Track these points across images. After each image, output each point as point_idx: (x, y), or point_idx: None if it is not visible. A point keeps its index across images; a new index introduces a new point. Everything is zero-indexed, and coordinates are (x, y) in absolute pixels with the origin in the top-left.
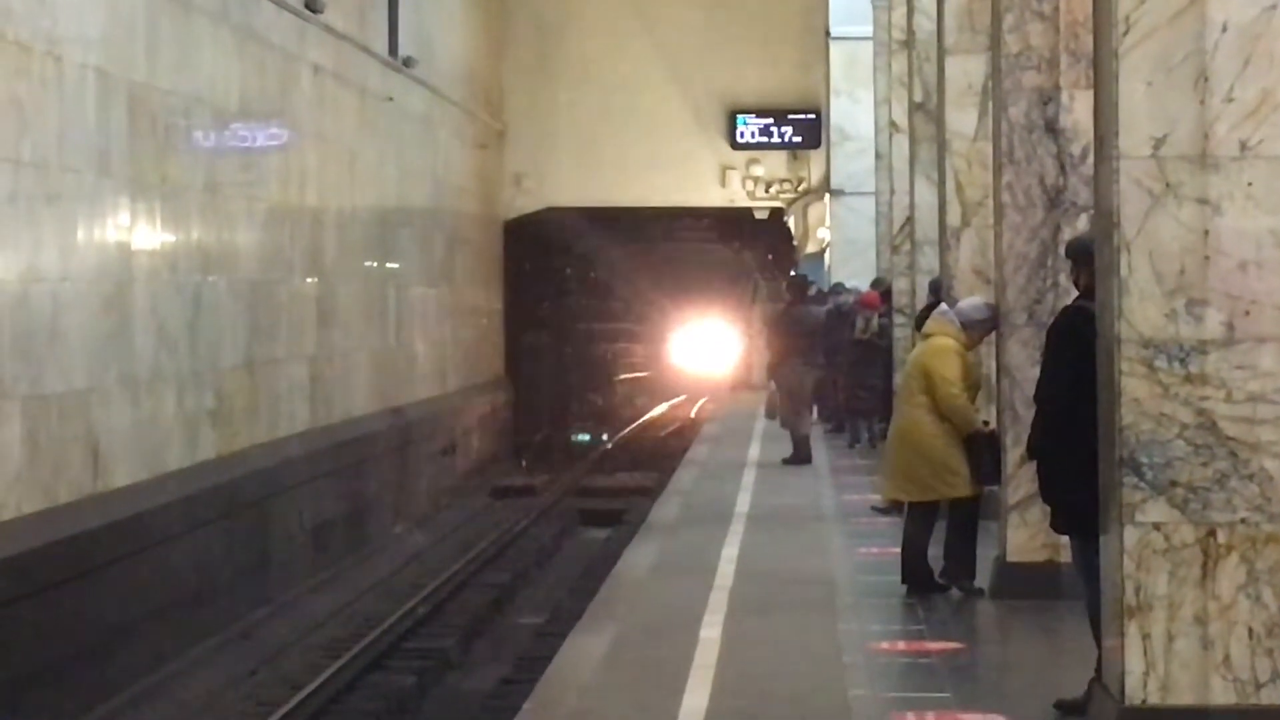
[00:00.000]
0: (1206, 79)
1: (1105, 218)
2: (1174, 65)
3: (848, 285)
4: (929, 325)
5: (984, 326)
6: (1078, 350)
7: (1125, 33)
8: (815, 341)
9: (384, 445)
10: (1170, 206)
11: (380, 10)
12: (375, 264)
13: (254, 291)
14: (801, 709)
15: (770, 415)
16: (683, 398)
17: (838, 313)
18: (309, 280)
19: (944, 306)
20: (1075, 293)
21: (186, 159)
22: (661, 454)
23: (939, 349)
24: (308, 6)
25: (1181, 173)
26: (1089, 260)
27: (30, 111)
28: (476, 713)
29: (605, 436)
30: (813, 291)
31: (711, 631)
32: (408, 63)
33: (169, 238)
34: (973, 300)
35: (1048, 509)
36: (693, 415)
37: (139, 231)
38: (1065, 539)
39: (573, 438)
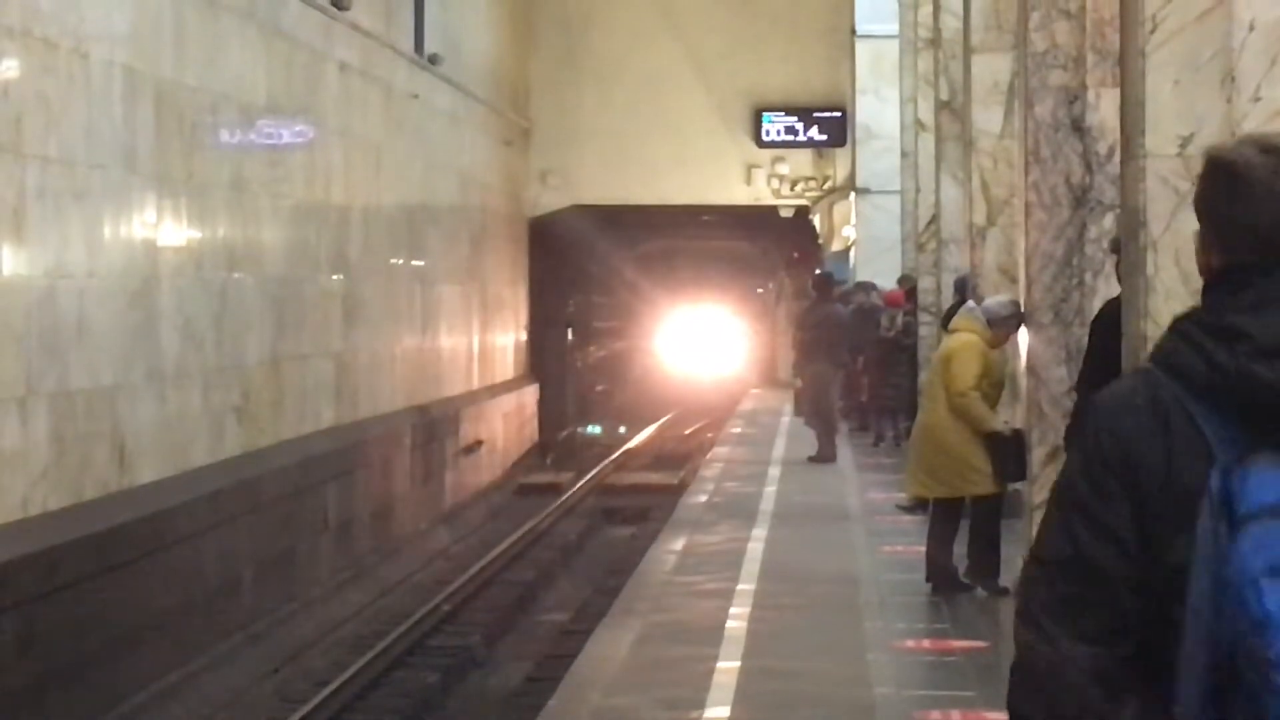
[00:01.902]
0: (1233, 78)
1: (1131, 216)
2: (1201, 64)
3: (876, 283)
4: (955, 321)
5: (1010, 324)
6: (1120, 341)
7: (1152, 31)
8: (841, 340)
9: (409, 443)
10: None
11: (406, 8)
12: (401, 261)
13: (280, 288)
14: (826, 707)
15: (798, 413)
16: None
17: (861, 311)
18: (335, 277)
19: (970, 303)
20: (1116, 287)
21: (213, 156)
22: (686, 451)
23: (963, 345)
24: (334, 4)
25: None
26: None
27: (57, 108)
28: (501, 710)
29: (623, 429)
30: (840, 290)
31: (736, 629)
32: (434, 60)
33: (195, 234)
34: (999, 298)
35: None
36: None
37: (165, 228)
38: None
39: (582, 430)
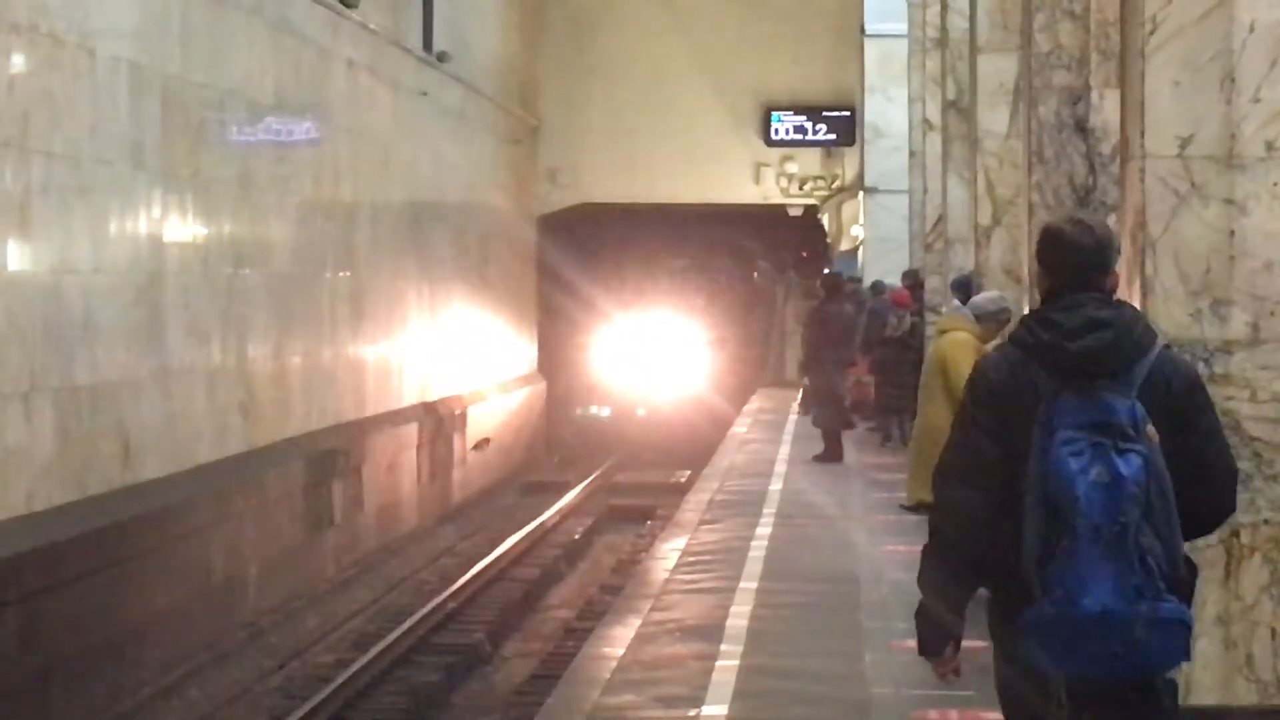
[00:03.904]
0: (1233, 79)
1: (1130, 217)
2: (1201, 65)
3: (886, 283)
4: (944, 321)
5: (998, 318)
6: None
7: (1152, 32)
8: (849, 339)
9: (417, 440)
10: (1196, 206)
11: (415, 5)
12: (409, 258)
13: (286, 285)
14: (824, 706)
15: (804, 412)
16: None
17: (870, 312)
18: (342, 274)
19: (956, 303)
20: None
21: (219, 152)
22: (692, 450)
23: (956, 344)
24: (342, 1)
25: (1207, 173)
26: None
27: (63, 104)
28: (506, 707)
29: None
30: (850, 289)
31: (737, 627)
32: (442, 58)
33: (201, 231)
34: (985, 294)
35: None
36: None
37: (171, 224)
38: None
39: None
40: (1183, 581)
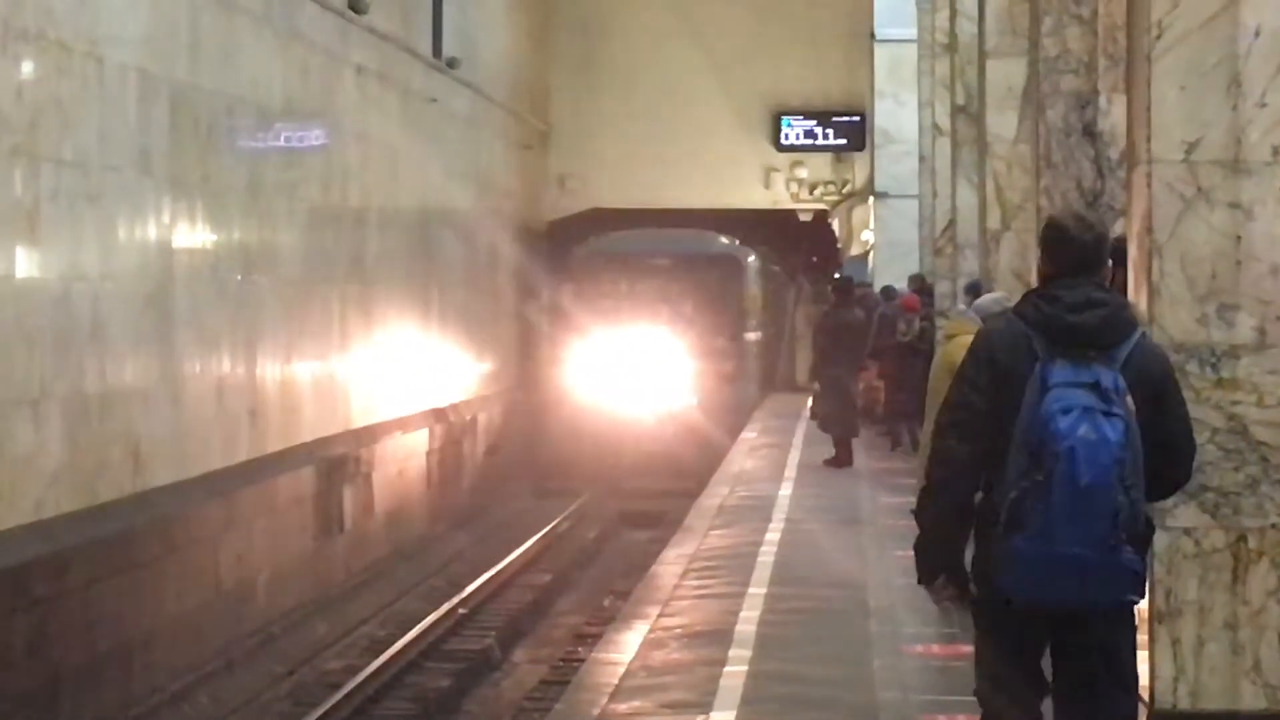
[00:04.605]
0: (1239, 84)
1: (1137, 222)
2: (1207, 70)
3: (896, 287)
4: (949, 326)
5: None
6: None
7: (1158, 37)
8: (860, 344)
9: (427, 447)
10: (1202, 211)
11: (424, 11)
12: (418, 264)
13: (295, 291)
14: (833, 711)
15: (814, 417)
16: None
17: (876, 315)
18: (351, 281)
19: (962, 306)
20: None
21: (228, 159)
22: (703, 455)
23: (963, 347)
24: (351, 7)
25: (1214, 177)
26: (1126, 261)
27: (71, 111)
28: (516, 714)
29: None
30: (861, 293)
31: (745, 632)
32: (451, 64)
33: (210, 237)
34: (990, 295)
35: None
36: None
37: (180, 231)
38: None
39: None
40: (1141, 536)
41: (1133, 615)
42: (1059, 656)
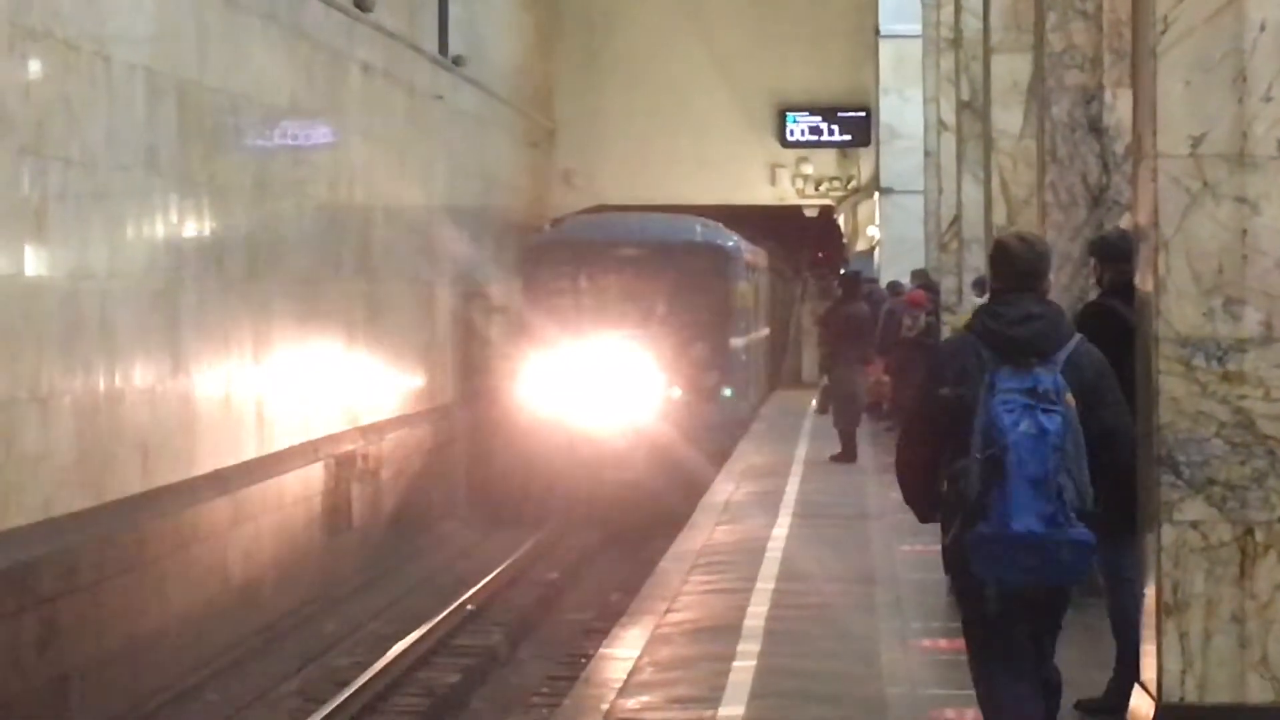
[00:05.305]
0: (1244, 78)
1: (1143, 217)
2: (1212, 64)
3: (903, 283)
4: (956, 321)
5: None
6: (1101, 348)
7: (1163, 32)
8: (868, 337)
9: (431, 443)
10: (1208, 205)
11: (430, 9)
12: (424, 261)
13: (302, 288)
14: (841, 705)
15: (823, 410)
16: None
17: (883, 310)
18: (356, 278)
19: (972, 301)
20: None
21: (235, 157)
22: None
23: None
24: (357, 5)
25: (1219, 172)
26: (1113, 257)
27: (79, 110)
28: (524, 709)
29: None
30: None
31: (753, 627)
32: (458, 61)
33: (217, 235)
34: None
35: None
36: None
37: (187, 228)
38: None
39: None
40: (1090, 513)
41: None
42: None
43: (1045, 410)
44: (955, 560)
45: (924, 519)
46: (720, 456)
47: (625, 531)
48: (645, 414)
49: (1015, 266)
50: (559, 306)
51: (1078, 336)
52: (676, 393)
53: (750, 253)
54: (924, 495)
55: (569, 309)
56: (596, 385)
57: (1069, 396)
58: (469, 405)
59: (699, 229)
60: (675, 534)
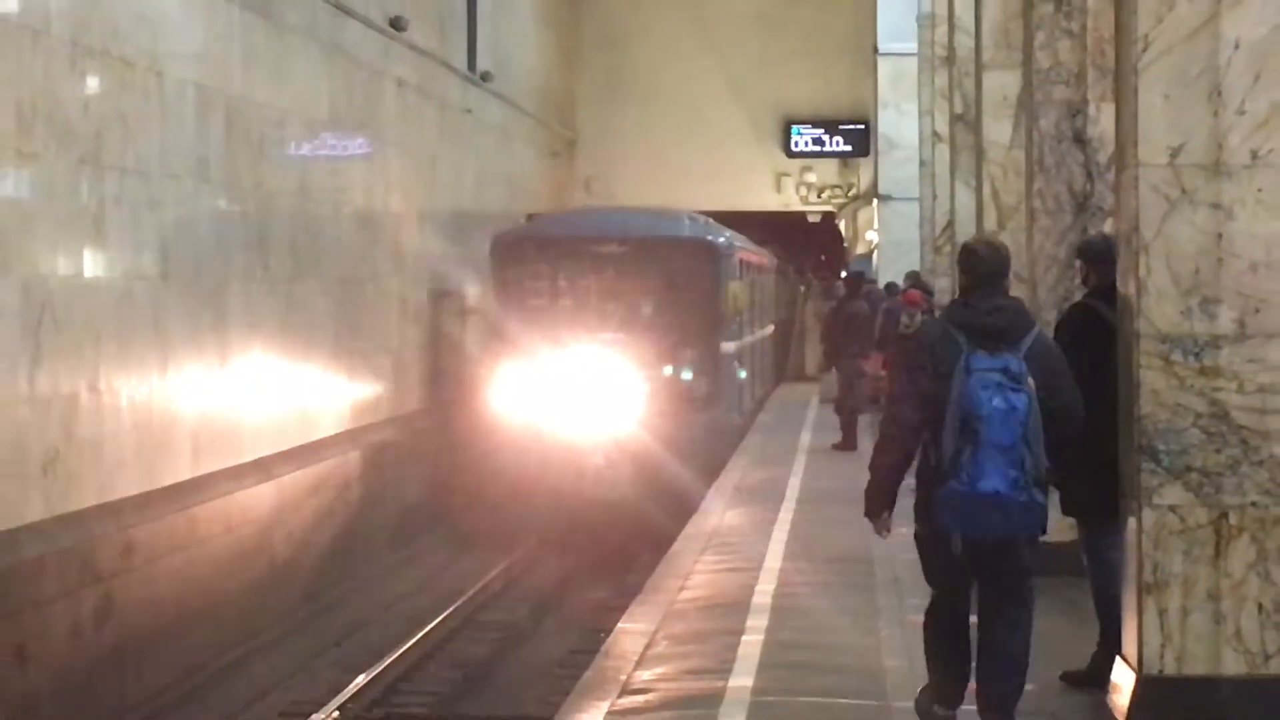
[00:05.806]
0: (1220, 93)
1: (1125, 222)
2: (1190, 80)
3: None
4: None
5: None
6: (1084, 346)
7: (1144, 50)
8: (864, 333)
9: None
10: (1186, 211)
11: (460, 28)
12: (456, 263)
13: (342, 289)
14: (843, 677)
15: (826, 401)
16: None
17: (881, 309)
18: (393, 280)
19: None
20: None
21: (279, 166)
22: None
23: None
24: (392, 25)
25: (1196, 180)
26: (1097, 260)
27: (134, 123)
28: (548, 681)
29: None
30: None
31: (761, 604)
32: (485, 77)
33: (263, 239)
34: None
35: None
36: None
37: (234, 233)
38: None
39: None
40: (1042, 480)
41: (1038, 546)
42: (982, 581)
43: (1013, 389)
44: (923, 512)
45: (873, 513)
46: (710, 473)
47: (609, 556)
48: (625, 428)
49: (983, 267)
50: (530, 308)
51: (1037, 327)
52: (659, 403)
53: (749, 252)
54: (885, 491)
55: (541, 311)
56: (569, 396)
57: (1029, 380)
58: (441, 413)
59: (686, 223)
60: (658, 561)
